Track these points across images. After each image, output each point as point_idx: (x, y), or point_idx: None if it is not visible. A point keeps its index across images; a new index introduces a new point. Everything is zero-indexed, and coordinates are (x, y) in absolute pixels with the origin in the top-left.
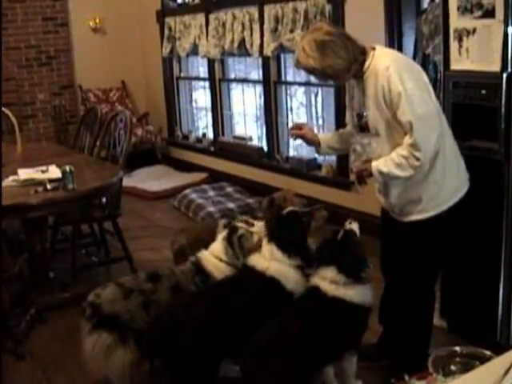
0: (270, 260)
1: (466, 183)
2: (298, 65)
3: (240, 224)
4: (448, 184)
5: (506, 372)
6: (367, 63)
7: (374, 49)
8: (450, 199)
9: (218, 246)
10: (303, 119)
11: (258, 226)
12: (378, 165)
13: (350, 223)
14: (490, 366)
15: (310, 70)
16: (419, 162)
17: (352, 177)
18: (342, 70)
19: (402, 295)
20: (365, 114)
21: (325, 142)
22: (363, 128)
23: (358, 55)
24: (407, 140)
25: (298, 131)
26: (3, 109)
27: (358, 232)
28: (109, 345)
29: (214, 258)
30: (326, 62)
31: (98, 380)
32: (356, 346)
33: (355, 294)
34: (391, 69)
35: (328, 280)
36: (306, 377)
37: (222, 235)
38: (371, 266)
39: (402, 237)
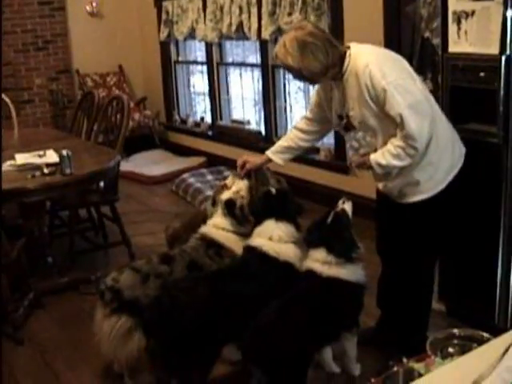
0: (285, 241)
1: (460, 160)
2: (276, 59)
3: (227, 194)
4: (443, 164)
5: (504, 353)
6: (345, 64)
7: (348, 48)
8: (445, 178)
9: (219, 220)
10: (301, 103)
11: (239, 186)
12: (376, 157)
13: (343, 202)
14: (488, 347)
15: (286, 67)
16: (416, 151)
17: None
18: (318, 73)
19: (401, 279)
20: (349, 114)
21: (278, 157)
22: (347, 128)
23: (337, 60)
24: (401, 131)
25: (245, 168)
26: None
27: (350, 212)
28: (128, 329)
29: (220, 229)
30: (304, 63)
31: (97, 364)
32: (355, 325)
33: (349, 272)
34: (371, 65)
35: (320, 262)
36: (307, 357)
37: (219, 212)
38: (361, 246)
39: (400, 220)
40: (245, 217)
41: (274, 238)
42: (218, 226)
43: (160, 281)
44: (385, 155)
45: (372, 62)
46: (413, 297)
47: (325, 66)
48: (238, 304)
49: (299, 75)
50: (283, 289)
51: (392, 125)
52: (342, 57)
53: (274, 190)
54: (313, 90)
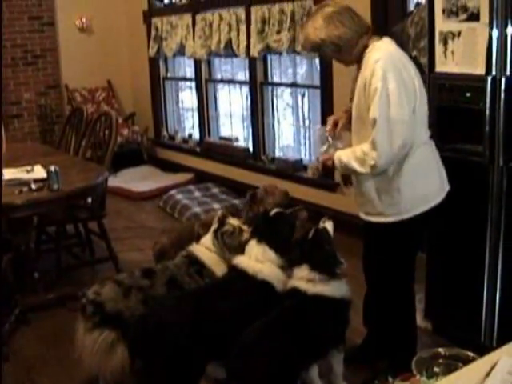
0: (261, 261)
1: (438, 195)
2: (306, 43)
3: (232, 221)
4: (412, 195)
5: (488, 374)
6: (367, 51)
7: (381, 39)
8: (412, 209)
9: (208, 236)
10: (289, 120)
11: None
12: (340, 154)
13: (324, 222)
14: (473, 367)
15: (319, 45)
16: (374, 162)
17: (337, 178)
18: (349, 39)
19: (380, 296)
20: (352, 105)
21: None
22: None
23: (365, 30)
24: (371, 137)
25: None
26: None
27: (331, 230)
28: (111, 342)
29: (204, 248)
30: (334, 33)
31: (82, 381)
32: (341, 342)
33: (333, 289)
34: (379, 63)
35: (304, 279)
36: (293, 376)
37: (213, 227)
38: (343, 261)
39: (373, 237)
40: (224, 242)
41: (252, 256)
42: (204, 244)
43: (142, 294)
44: (348, 154)
45: (382, 61)
46: (394, 314)
47: (355, 32)
48: (219, 321)
49: (333, 47)
50: (263, 308)
51: (367, 131)
52: (367, 32)
53: (273, 212)
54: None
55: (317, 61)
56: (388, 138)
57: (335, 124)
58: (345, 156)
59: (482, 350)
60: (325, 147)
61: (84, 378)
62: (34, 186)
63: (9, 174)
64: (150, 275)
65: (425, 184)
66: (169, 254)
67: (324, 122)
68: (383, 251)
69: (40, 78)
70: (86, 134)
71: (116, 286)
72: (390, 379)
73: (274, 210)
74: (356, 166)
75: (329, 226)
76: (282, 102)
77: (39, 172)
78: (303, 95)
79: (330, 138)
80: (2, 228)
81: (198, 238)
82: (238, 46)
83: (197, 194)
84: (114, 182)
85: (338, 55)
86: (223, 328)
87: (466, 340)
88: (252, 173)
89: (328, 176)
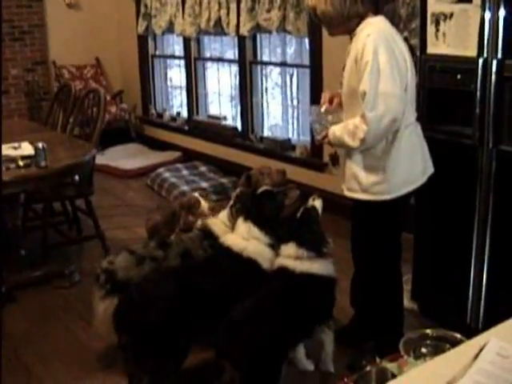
0: (247, 239)
1: (419, 178)
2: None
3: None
4: (396, 176)
5: (477, 355)
6: (359, 27)
7: (375, 15)
8: (394, 191)
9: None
10: (278, 100)
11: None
12: (335, 128)
13: (314, 199)
14: (461, 349)
15: (309, 7)
16: (363, 135)
17: (326, 158)
18: (332, 18)
19: (367, 276)
20: (342, 81)
21: None
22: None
23: (354, 16)
24: (362, 111)
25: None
26: None
27: (320, 209)
28: None
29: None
30: (321, 6)
31: (69, 359)
32: (329, 319)
33: (321, 267)
34: (371, 37)
35: (292, 257)
36: (281, 354)
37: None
38: (331, 241)
39: (357, 216)
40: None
41: (238, 234)
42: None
43: (155, 264)
44: (341, 129)
45: (374, 35)
46: (380, 294)
47: (339, 15)
48: (204, 297)
49: (323, 19)
50: (249, 285)
51: (358, 106)
52: (361, 17)
53: (260, 190)
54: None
55: (306, 40)
56: (379, 112)
57: (330, 100)
58: (338, 130)
59: (468, 332)
60: (319, 126)
61: (71, 356)
62: (21, 163)
63: None
64: (165, 247)
65: (409, 166)
66: (162, 232)
67: (314, 102)
68: (367, 231)
69: (27, 53)
70: (73, 111)
71: (129, 255)
72: (378, 360)
73: (262, 188)
74: (348, 139)
75: (318, 204)
76: (271, 81)
77: (27, 149)
78: (292, 75)
79: (325, 116)
80: None
81: (174, 219)
82: (228, 24)
83: (184, 172)
84: (102, 159)
85: (327, 27)
86: (208, 304)
87: (452, 322)
88: (240, 152)
89: (317, 156)
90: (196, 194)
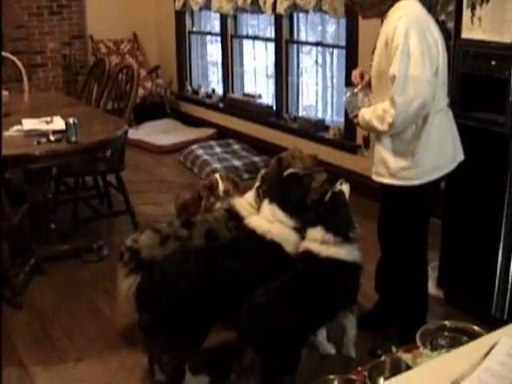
0: (271, 221)
1: (450, 165)
2: None
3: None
4: (426, 162)
5: (486, 354)
6: (392, 9)
7: None
8: (423, 176)
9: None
10: (314, 80)
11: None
12: (364, 111)
13: (341, 184)
14: (475, 345)
15: None
16: (391, 120)
17: (359, 140)
18: (365, 1)
19: (391, 261)
20: (372, 63)
21: None
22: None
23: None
24: (390, 95)
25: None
26: (10, 56)
27: (347, 193)
28: None
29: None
30: None
31: (93, 333)
32: (353, 304)
33: (346, 252)
34: (402, 20)
35: (318, 241)
36: (302, 338)
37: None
38: (357, 226)
39: (386, 201)
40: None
41: (262, 216)
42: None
43: (179, 243)
44: (370, 113)
45: (405, 19)
46: (405, 281)
47: None
48: (226, 278)
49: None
50: (272, 268)
51: (388, 88)
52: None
53: (286, 173)
54: None
55: (343, 21)
56: (408, 97)
57: (361, 76)
58: (367, 114)
59: (492, 322)
60: (352, 106)
61: (96, 330)
62: (52, 138)
63: (29, 124)
64: (190, 226)
65: (439, 152)
66: (190, 210)
67: (348, 83)
68: (394, 215)
69: (65, 27)
70: (107, 86)
71: (154, 233)
72: (394, 349)
73: (288, 171)
74: (376, 123)
75: (345, 188)
76: (307, 60)
77: (58, 123)
78: (331, 53)
79: (358, 96)
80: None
81: (199, 199)
82: (265, 2)
83: (217, 149)
84: (135, 134)
85: (355, 6)
86: (230, 286)
87: (477, 311)
88: (273, 130)
89: (350, 138)
90: (216, 175)
